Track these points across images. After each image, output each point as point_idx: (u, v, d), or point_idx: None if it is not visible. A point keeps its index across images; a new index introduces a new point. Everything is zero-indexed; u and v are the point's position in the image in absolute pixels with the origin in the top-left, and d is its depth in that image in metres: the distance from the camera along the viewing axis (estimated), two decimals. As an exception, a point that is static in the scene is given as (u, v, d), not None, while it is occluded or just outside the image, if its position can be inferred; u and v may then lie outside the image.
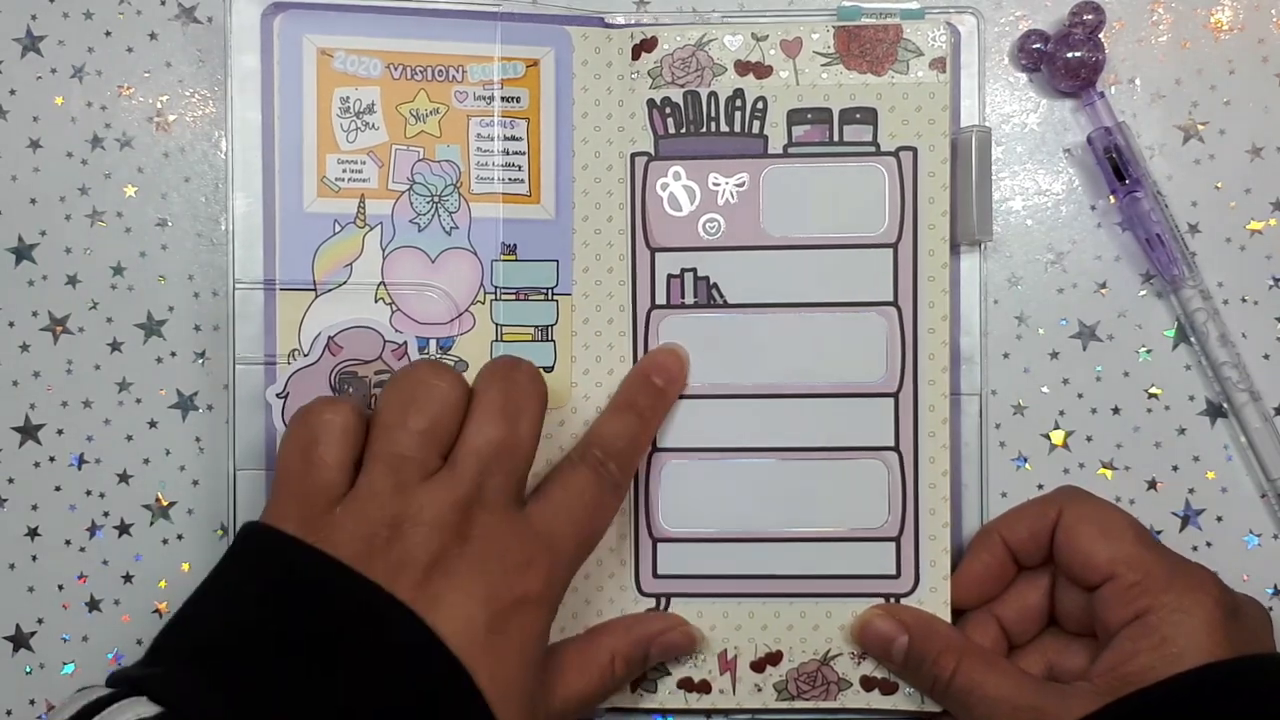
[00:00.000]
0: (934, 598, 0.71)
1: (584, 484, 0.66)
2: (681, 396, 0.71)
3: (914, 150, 0.70)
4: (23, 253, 0.74)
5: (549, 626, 0.62)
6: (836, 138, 0.71)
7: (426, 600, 0.57)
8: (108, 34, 0.74)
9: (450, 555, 0.59)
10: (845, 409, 0.71)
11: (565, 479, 0.66)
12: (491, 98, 0.72)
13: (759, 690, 0.72)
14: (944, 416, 0.71)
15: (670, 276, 0.71)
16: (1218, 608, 0.63)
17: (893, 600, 0.71)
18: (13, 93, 0.74)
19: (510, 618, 0.59)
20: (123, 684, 0.56)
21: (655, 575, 0.72)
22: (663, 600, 0.72)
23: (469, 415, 0.62)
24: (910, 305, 0.71)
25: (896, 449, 0.71)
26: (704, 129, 0.71)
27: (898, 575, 0.71)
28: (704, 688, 0.72)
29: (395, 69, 0.71)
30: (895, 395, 0.71)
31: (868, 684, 0.71)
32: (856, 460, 0.71)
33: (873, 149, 0.71)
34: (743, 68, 0.71)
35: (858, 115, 0.71)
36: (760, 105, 0.71)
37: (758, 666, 0.72)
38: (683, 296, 0.71)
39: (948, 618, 0.71)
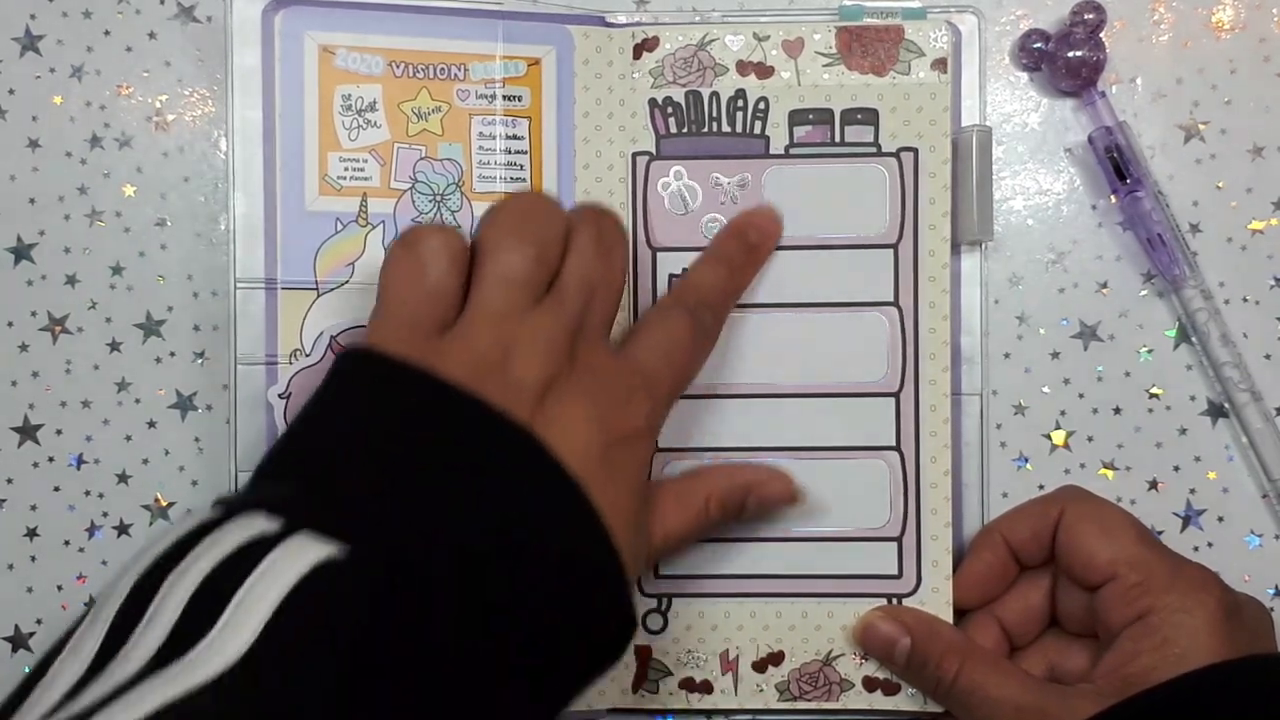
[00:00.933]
0: (936, 598, 0.71)
1: (680, 326, 0.65)
2: (683, 396, 0.71)
3: (915, 151, 0.70)
4: (21, 252, 0.73)
5: (650, 460, 0.63)
6: (838, 138, 0.71)
7: (543, 422, 0.56)
8: (107, 33, 0.74)
9: (562, 380, 0.58)
10: (846, 409, 0.71)
11: (662, 321, 0.65)
12: (493, 96, 0.72)
13: (761, 691, 0.72)
14: (945, 416, 0.71)
15: (671, 276, 0.71)
16: (1220, 608, 0.63)
17: (895, 601, 0.71)
18: (11, 92, 0.74)
19: (619, 447, 0.58)
20: (234, 505, 0.52)
21: (657, 575, 0.72)
22: (664, 601, 0.72)
23: (569, 248, 0.61)
24: (911, 305, 0.71)
25: (898, 448, 0.71)
26: (705, 129, 0.71)
27: (899, 575, 0.71)
28: (705, 688, 0.72)
29: (397, 67, 0.71)
30: (896, 395, 0.71)
31: (870, 685, 0.71)
32: (858, 460, 0.71)
33: (874, 149, 0.71)
34: (744, 68, 0.71)
35: (859, 116, 0.71)
36: (762, 105, 0.71)
37: (759, 667, 0.72)
38: (684, 296, 0.71)
39: (950, 618, 0.71)
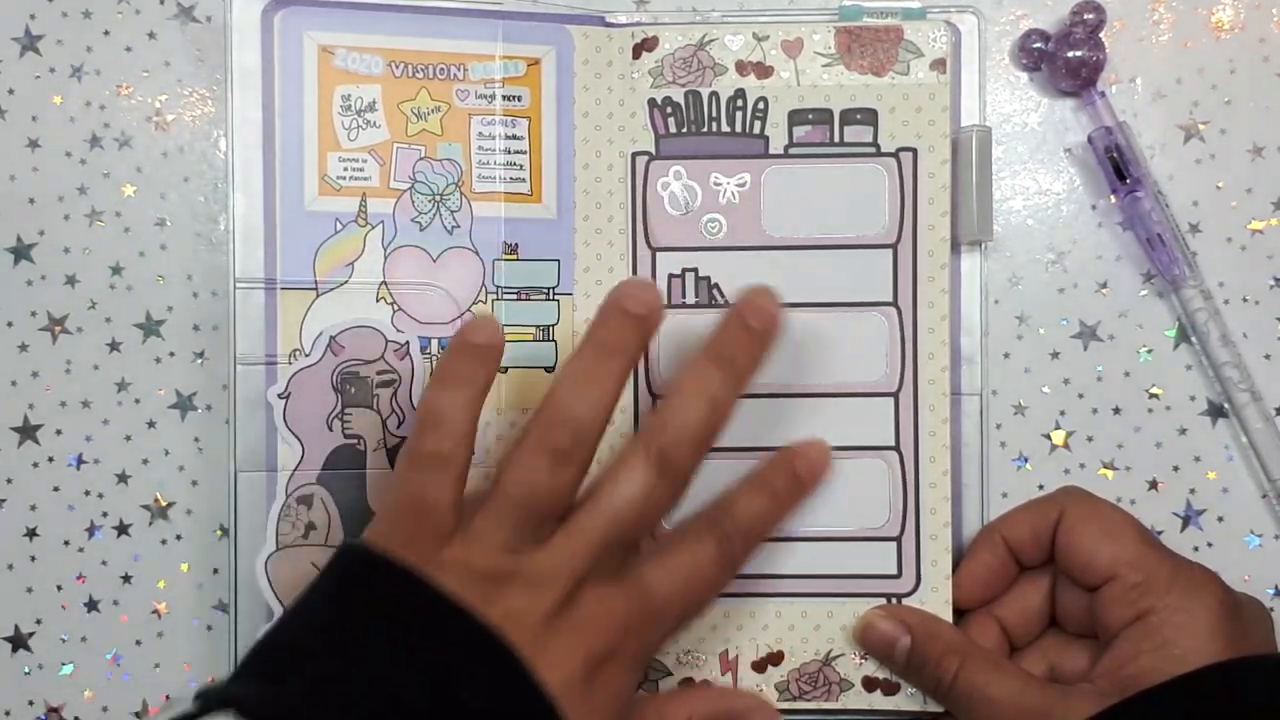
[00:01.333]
0: (935, 597, 0.71)
1: (707, 560, 0.62)
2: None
3: (914, 151, 0.70)
4: (21, 252, 0.73)
5: (637, 683, 0.62)
6: (837, 138, 0.71)
7: (532, 648, 0.56)
8: (106, 33, 0.74)
9: (560, 615, 0.58)
10: (846, 409, 0.71)
11: (691, 549, 0.62)
12: (493, 96, 0.72)
13: (760, 690, 0.71)
14: (944, 416, 0.71)
15: (671, 276, 0.71)
16: (1220, 608, 0.63)
17: (894, 600, 0.71)
18: (11, 92, 0.74)
19: (605, 672, 0.58)
20: (211, 699, 0.54)
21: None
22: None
23: (606, 473, 0.61)
24: (910, 305, 0.71)
25: (897, 449, 0.71)
26: (705, 129, 0.71)
27: (899, 575, 0.71)
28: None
29: (397, 67, 0.71)
30: (895, 395, 0.71)
31: (869, 684, 0.71)
32: (857, 460, 0.71)
33: (873, 150, 0.71)
34: (744, 68, 0.71)
35: (858, 116, 0.71)
36: (761, 105, 0.71)
37: (759, 667, 0.71)
38: (684, 296, 0.71)
39: (949, 617, 0.71)
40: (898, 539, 0.71)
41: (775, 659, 0.71)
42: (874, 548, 0.71)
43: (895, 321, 0.71)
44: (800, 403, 0.71)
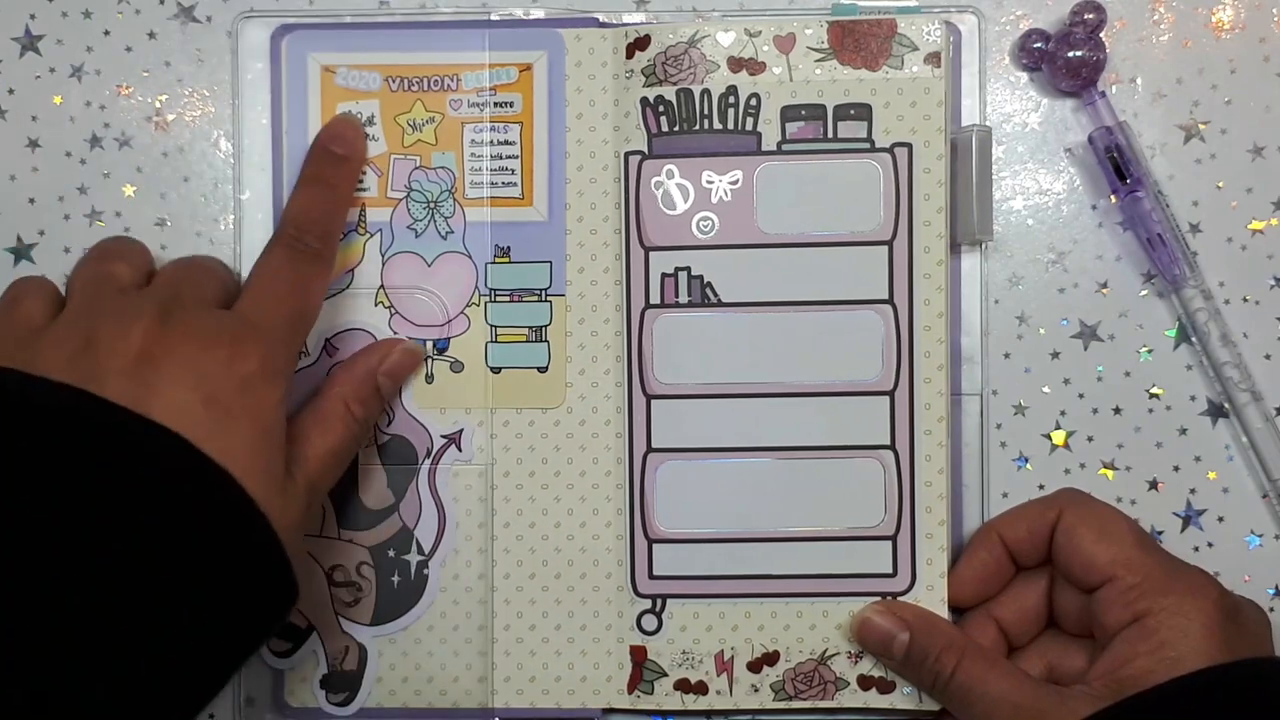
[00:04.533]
0: (930, 596, 0.71)
1: (280, 262, 0.67)
2: (677, 396, 0.71)
3: (909, 146, 0.70)
4: (21, 253, 0.74)
5: (281, 399, 0.62)
6: (831, 134, 0.71)
7: (135, 395, 0.57)
8: (106, 33, 0.74)
9: (153, 351, 0.59)
10: (841, 408, 0.71)
11: (262, 264, 0.67)
12: (485, 104, 0.72)
13: (756, 691, 0.71)
14: (940, 415, 0.71)
15: (664, 276, 0.71)
16: (1217, 611, 0.63)
17: (889, 599, 0.71)
18: (11, 92, 0.74)
19: (234, 397, 0.59)
20: None
21: (651, 576, 0.72)
22: (659, 602, 0.72)
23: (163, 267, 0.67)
24: (906, 303, 0.71)
25: (893, 447, 0.71)
26: (697, 126, 0.71)
27: (894, 574, 0.71)
28: (701, 689, 0.72)
29: (393, 81, 0.73)
30: (891, 394, 0.71)
31: (865, 683, 0.71)
32: (853, 459, 0.71)
33: (867, 145, 0.71)
34: (736, 64, 0.71)
35: (852, 111, 0.70)
36: (754, 102, 0.71)
37: (754, 667, 0.71)
38: (676, 296, 0.71)
39: (945, 616, 0.71)
40: (893, 538, 0.71)
41: (771, 659, 0.71)
42: (869, 547, 0.71)
43: (891, 319, 0.71)
44: (796, 401, 0.71)
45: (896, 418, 0.71)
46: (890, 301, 0.71)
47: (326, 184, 0.70)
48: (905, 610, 0.70)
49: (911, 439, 0.71)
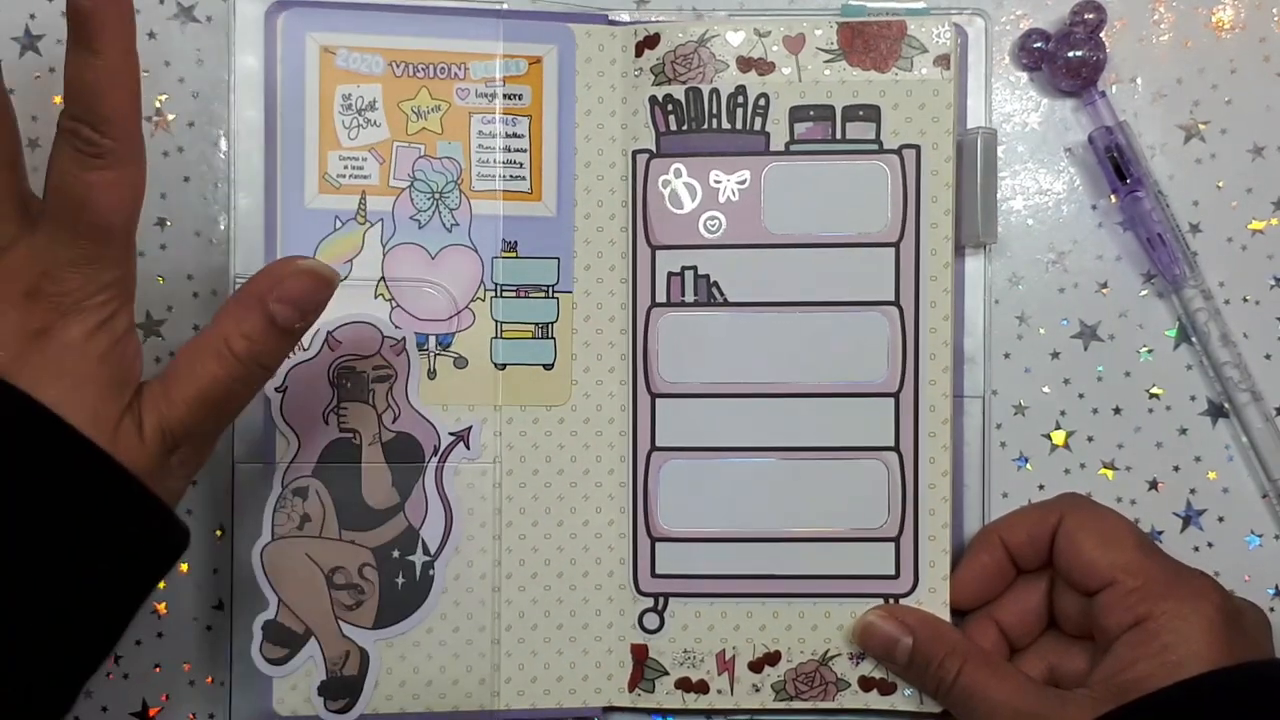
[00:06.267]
0: (933, 598, 0.71)
1: (64, 168, 0.58)
2: (682, 395, 0.72)
3: (917, 148, 0.71)
4: (21, 250, 0.73)
5: (89, 333, 0.58)
6: (839, 135, 0.71)
7: None
8: (107, 32, 0.74)
9: None
10: (846, 409, 0.71)
11: (49, 168, 0.59)
12: (494, 95, 0.72)
13: (757, 690, 0.71)
14: (945, 417, 0.71)
15: (670, 274, 0.71)
16: (1218, 615, 0.63)
17: (891, 601, 0.71)
18: (11, 92, 0.73)
19: (41, 340, 0.57)
20: None
21: (653, 575, 0.72)
22: (661, 600, 0.72)
23: None
24: (912, 305, 0.71)
25: (897, 449, 0.71)
26: (705, 126, 0.71)
27: (897, 576, 0.71)
28: (702, 688, 0.72)
29: (397, 66, 0.72)
30: (896, 395, 0.71)
31: (866, 684, 0.71)
32: (857, 460, 0.71)
33: (875, 147, 0.71)
34: (745, 64, 0.71)
35: (860, 113, 0.71)
36: (762, 102, 0.71)
37: (756, 667, 0.71)
38: (683, 294, 0.71)
39: (947, 618, 0.71)
40: (896, 539, 0.71)
41: (772, 659, 0.71)
42: (872, 548, 0.71)
43: (897, 321, 0.71)
44: (800, 402, 0.71)
45: (901, 420, 0.71)
46: (896, 303, 0.71)
47: (89, 48, 0.57)
48: (908, 615, 0.70)
49: (916, 441, 0.71)
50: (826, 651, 0.71)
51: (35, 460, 0.54)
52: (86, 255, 0.58)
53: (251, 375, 0.61)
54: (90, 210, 0.57)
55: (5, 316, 0.57)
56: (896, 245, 0.71)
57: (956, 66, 0.71)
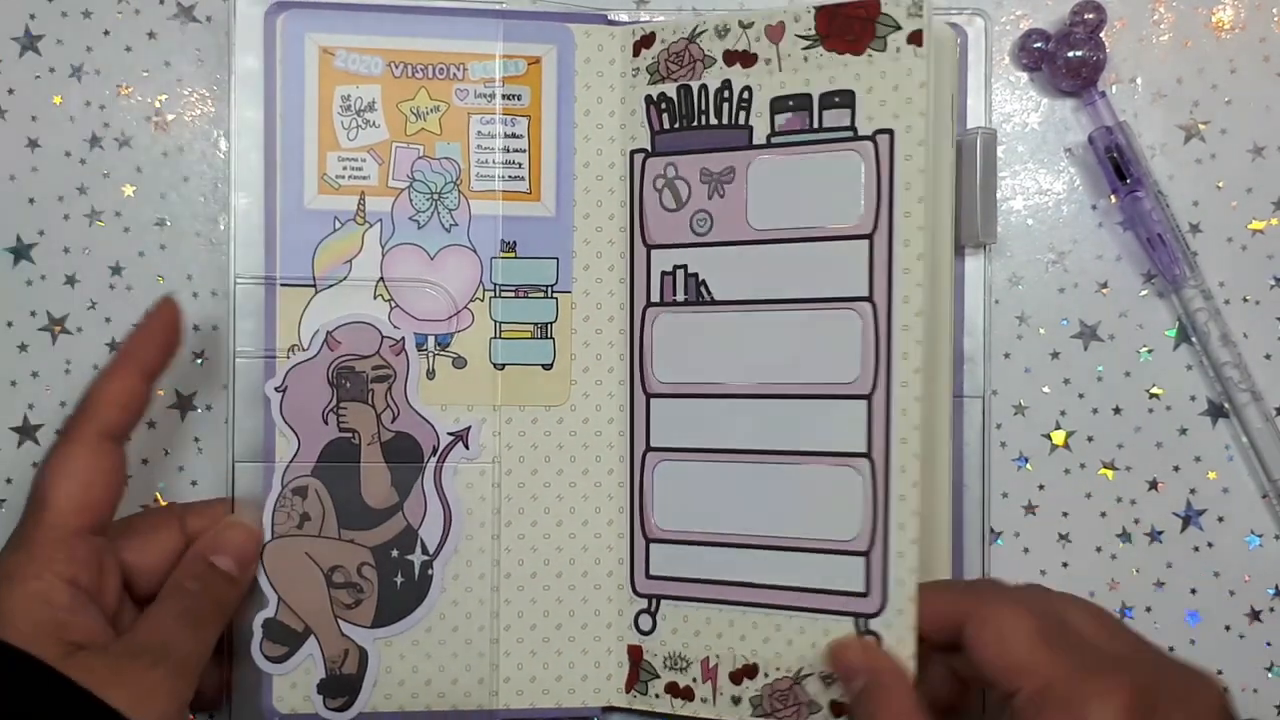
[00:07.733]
0: (901, 621, 0.66)
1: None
2: (674, 395, 0.72)
3: (891, 132, 0.67)
4: (21, 252, 0.74)
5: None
6: (816, 124, 0.69)
7: None
8: (106, 33, 0.74)
9: None
10: (819, 411, 0.69)
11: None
12: (493, 95, 0.72)
13: (736, 703, 0.70)
14: (916, 422, 0.67)
15: (664, 274, 0.71)
16: (1126, 711, 0.57)
17: (862, 621, 0.67)
18: (11, 92, 0.74)
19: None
20: None
21: (648, 576, 0.72)
22: (653, 601, 0.72)
23: None
24: (885, 301, 0.67)
25: (869, 455, 0.68)
26: (695, 123, 0.71)
27: (866, 594, 0.67)
28: (688, 694, 0.71)
29: (396, 67, 0.72)
30: (869, 398, 0.68)
31: (836, 709, 0.68)
32: (830, 467, 0.69)
33: (850, 134, 0.68)
34: (730, 57, 0.70)
35: (836, 99, 0.68)
36: (746, 95, 0.70)
37: (736, 678, 0.70)
38: (675, 294, 0.71)
39: (913, 645, 0.66)
40: (866, 554, 0.67)
41: (750, 671, 0.70)
42: (842, 562, 0.68)
43: (870, 318, 0.68)
44: (781, 404, 0.70)
45: (873, 424, 0.68)
46: (870, 299, 0.68)
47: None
48: (875, 658, 0.66)
49: (887, 448, 0.67)
50: (800, 670, 0.69)
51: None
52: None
53: (217, 603, 0.68)
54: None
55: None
56: (870, 237, 0.68)
57: (930, 44, 0.67)
